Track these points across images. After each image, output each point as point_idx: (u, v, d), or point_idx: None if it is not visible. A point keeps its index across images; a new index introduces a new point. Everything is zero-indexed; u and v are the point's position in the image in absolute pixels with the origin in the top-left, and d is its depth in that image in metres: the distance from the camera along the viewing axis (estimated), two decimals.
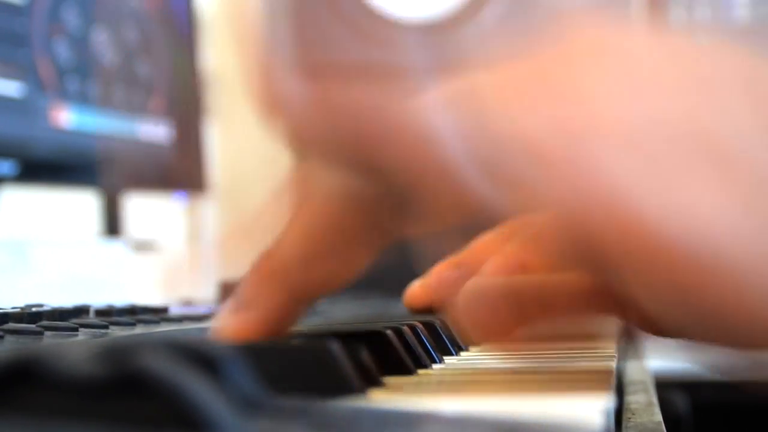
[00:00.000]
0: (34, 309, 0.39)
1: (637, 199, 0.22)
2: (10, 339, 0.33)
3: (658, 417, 0.34)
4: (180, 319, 0.45)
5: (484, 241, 0.49)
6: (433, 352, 0.36)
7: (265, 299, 0.30)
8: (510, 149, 0.23)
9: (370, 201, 0.28)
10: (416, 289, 0.49)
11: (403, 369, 0.32)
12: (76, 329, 0.36)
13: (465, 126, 0.24)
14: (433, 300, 0.49)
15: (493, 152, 0.23)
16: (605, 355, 0.38)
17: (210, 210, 1.75)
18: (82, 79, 0.88)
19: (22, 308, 0.40)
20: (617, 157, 0.22)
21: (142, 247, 1.05)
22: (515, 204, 0.23)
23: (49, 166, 0.86)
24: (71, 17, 0.88)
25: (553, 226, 0.24)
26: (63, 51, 0.87)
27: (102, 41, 0.92)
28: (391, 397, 0.26)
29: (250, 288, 0.30)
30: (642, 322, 0.29)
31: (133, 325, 0.40)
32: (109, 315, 0.43)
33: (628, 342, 0.64)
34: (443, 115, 0.24)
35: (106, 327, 0.38)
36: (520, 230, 0.47)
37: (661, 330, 0.28)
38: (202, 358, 0.19)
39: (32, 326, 0.35)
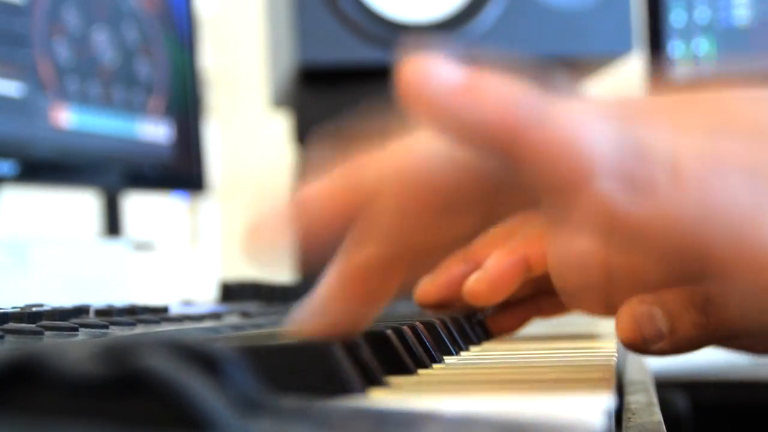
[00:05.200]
0: (34, 309, 0.39)
1: (756, 223, 0.26)
2: (10, 339, 0.33)
3: (658, 417, 0.34)
4: (180, 319, 0.45)
5: (490, 235, 0.50)
6: (433, 352, 0.36)
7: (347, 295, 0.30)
8: (655, 162, 0.26)
9: (487, 175, 0.29)
10: (427, 286, 0.50)
11: (403, 369, 0.32)
12: (76, 329, 0.36)
13: (615, 135, 0.26)
14: (444, 296, 0.49)
15: (638, 163, 0.26)
16: (605, 354, 0.38)
17: (210, 210, 1.75)
18: (82, 79, 0.88)
19: (22, 308, 0.40)
20: (741, 186, 0.26)
21: (142, 247, 1.05)
22: (641, 211, 0.25)
23: (49, 166, 0.86)
24: (71, 17, 0.88)
25: (659, 235, 0.27)
26: (63, 51, 0.87)
27: (102, 41, 0.92)
28: (392, 397, 0.26)
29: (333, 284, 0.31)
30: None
31: (133, 325, 0.40)
32: (109, 315, 0.43)
33: None
34: (593, 122, 0.26)
35: (106, 327, 0.38)
36: (524, 225, 0.48)
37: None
38: (203, 358, 0.19)
39: (32, 326, 0.35)
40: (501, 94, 0.26)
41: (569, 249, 0.34)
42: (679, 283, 0.36)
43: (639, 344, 0.41)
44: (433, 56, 0.28)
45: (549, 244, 0.38)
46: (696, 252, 0.27)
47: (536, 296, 0.52)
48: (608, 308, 0.52)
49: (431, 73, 0.27)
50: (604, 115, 0.27)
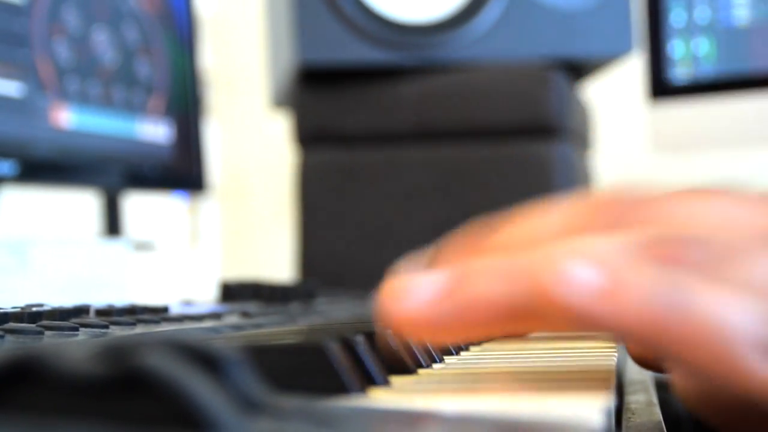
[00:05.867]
0: (34, 309, 0.39)
1: None
2: (10, 339, 0.33)
3: (658, 417, 0.34)
4: (180, 319, 0.45)
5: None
6: (433, 352, 0.36)
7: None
8: None
9: None
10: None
11: (403, 368, 0.32)
12: (76, 329, 0.36)
13: (761, 317, 0.25)
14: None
15: None
16: (605, 354, 0.38)
17: (210, 210, 1.75)
18: (82, 79, 0.88)
19: (22, 308, 0.40)
20: None
21: (142, 247, 1.05)
22: None
23: (49, 166, 0.86)
24: (71, 17, 0.88)
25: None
26: (63, 51, 0.87)
27: (102, 41, 0.92)
28: (391, 397, 0.26)
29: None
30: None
31: (133, 324, 0.40)
32: (110, 315, 0.43)
33: None
34: (739, 303, 0.25)
35: (106, 327, 0.38)
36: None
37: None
38: (203, 357, 0.19)
39: (32, 326, 0.35)
40: (641, 292, 0.25)
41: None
42: None
43: (650, 361, 0.40)
44: (570, 255, 0.26)
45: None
46: None
47: None
48: None
49: (569, 276, 0.25)
50: (751, 296, 0.26)
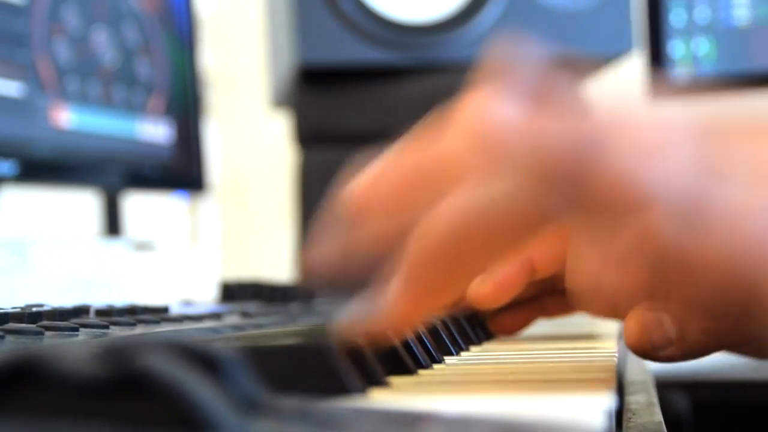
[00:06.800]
0: (34, 309, 0.39)
1: None
2: (10, 339, 0.33)
3: (659, 417, 0.34)
4: (180, 319, 0.45)
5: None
6: (433, 352, 0.36)
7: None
8: (712, 210, 0.26)
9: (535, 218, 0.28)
10: (487, 289, 0.49)
11: (403, 369, 0.32)
12: (76, 329, 0.36)
13: (680, 168, 0.26)
14: (505, 299, 0.48)
15: (696, 204, 0.26)
16: (605, 354, 0.38)
17: (210, 210, 1.75)
18: (82, 79, 0.88)
19: (22, 308, 0.39)
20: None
21: (142, 247, 1.05)
22: (694, 245, 0.25)
23: (49, 166, 0.86)
24: (71, 17, 0.88)
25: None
26: (63, 51, 0.87)
27: (102, 41, 0.92)
28: (392, 397, 0.26)
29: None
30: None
31: (133, 325, 0.40)
32: (110, 315, 0.43)
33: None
34: (661, 149, 0.25)
35: (106, 327, 0.38)
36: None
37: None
38: (203, 358, 0.19)
39: (32, 326, 0.35)
40: (561, 132, 0.26)
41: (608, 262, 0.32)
42: (721, 318, 0.33)
43: (647, 350, 0.40)
44: (491, 88, 0.29)
45: (583, 253, 0.36)
46: (744, 291, 0.26)
47: (540, 297, 0.51)
48: (614, 312, 0.52)
49: (492, 117, 0.27)
50: (678, 138, 0.26)
